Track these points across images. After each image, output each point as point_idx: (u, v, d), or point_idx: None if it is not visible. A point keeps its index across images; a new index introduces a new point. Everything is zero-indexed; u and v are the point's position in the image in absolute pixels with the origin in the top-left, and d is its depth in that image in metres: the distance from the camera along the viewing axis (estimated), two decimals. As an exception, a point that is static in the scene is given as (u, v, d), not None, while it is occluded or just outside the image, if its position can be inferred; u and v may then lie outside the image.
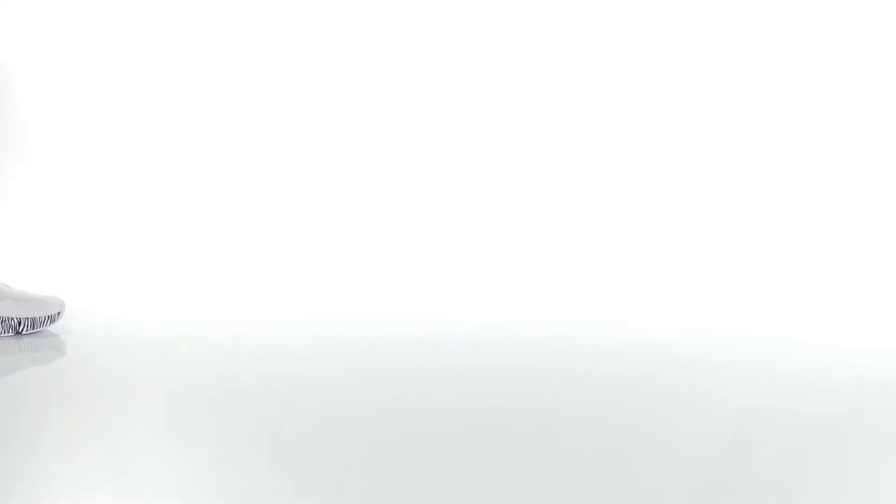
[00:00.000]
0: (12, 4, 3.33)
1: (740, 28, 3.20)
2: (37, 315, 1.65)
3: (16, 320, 1.63)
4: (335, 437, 1.25)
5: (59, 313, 1.69)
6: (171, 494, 1.06)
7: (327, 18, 3.33)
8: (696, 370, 1.61)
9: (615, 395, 1.46)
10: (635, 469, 1.14)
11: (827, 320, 2.02)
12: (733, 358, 1.67)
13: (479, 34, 3.12)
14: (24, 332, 1.65)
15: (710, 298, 2.24)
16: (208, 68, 3.33)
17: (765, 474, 1.11)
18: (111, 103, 3.31)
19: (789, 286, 2.36)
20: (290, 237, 2.62)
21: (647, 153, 3.17)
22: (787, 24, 3.18)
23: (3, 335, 1.64)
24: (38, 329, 1.65)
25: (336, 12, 3.31)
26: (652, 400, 1.43)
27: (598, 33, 3.13)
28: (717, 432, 1.30)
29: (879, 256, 2.61)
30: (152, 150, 3.25)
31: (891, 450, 1.25)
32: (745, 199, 3.00)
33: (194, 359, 1.61)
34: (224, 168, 3.22)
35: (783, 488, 1.09)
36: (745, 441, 1.25)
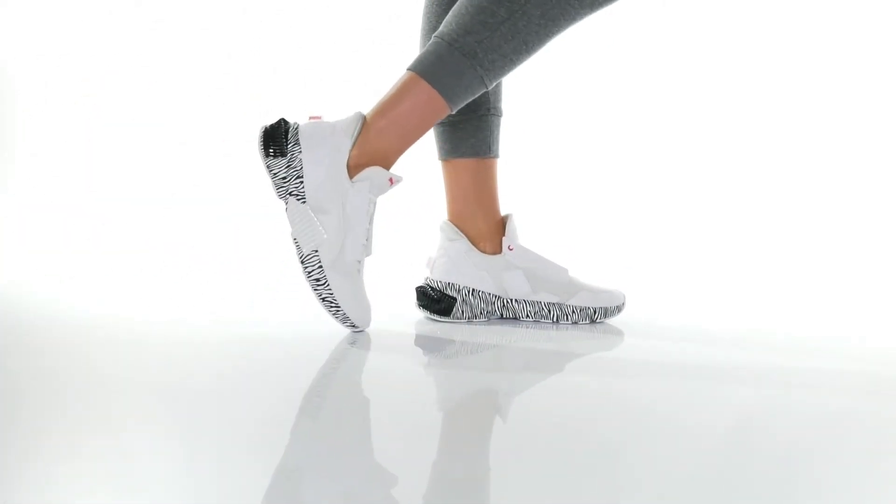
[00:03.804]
0: (12, 4, 3.32)
1: (744, 25, 3.20)
2: (609, 305, 1.85)
3: (592, 310, 1.84)
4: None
5: (622, 304, 1.87)
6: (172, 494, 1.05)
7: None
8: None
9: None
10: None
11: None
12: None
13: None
14: (597, 321, 1.86)
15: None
16: (210, 68, 3.32)
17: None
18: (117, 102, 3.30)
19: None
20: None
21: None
22: (787, 22, 3.17)
23: (580, 322, 1.85)
24: (607, 318, 1.87)
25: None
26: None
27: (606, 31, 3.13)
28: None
29: (880, 255, 2.61)
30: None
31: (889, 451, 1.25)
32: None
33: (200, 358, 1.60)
34: (226, 164, 3.22)
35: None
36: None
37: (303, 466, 1.13)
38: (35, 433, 1.21)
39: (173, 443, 1.20)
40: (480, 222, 1.85)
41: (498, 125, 1.87)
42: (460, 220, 1.86)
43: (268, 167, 1.66)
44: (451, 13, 1.69)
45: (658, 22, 3.15)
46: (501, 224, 1.86)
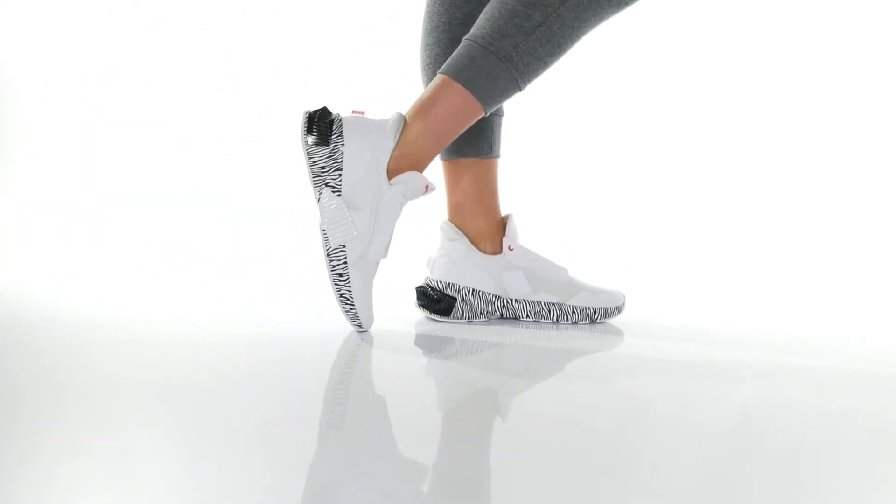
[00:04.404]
0: (12, 4, 3.32)
1: (744, 26, 3.20)
2: (609, 306, 1.85)
3: (592, 310, 1.84)
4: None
5: (622, 305, 1.87)
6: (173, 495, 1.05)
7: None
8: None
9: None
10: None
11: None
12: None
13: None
14: (597, 321, 1.86)
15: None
16: (210, 68, 3.32)
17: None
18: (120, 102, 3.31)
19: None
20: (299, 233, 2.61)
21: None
22: (787, 22, 3.17)
23: (580, 322, 1.85)
24: (607, 318, 1.86)
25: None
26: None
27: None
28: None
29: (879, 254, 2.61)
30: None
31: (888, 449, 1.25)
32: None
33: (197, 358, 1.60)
34: (230, 163, 3.22)
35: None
36: None
37: (302, 468, 1.13)
38: (35, 433, 1.21)
39: (173, 443, 1.20)
40: (481, 222, 1.85)
41: (499, 125, 1.87)
42: (461, 219, 1.85)
43: (308, 154, 1.65)
44: (481, 17, 1.69)
45: (658, 22, 3.15)
46: (502, 224, 1.86)
